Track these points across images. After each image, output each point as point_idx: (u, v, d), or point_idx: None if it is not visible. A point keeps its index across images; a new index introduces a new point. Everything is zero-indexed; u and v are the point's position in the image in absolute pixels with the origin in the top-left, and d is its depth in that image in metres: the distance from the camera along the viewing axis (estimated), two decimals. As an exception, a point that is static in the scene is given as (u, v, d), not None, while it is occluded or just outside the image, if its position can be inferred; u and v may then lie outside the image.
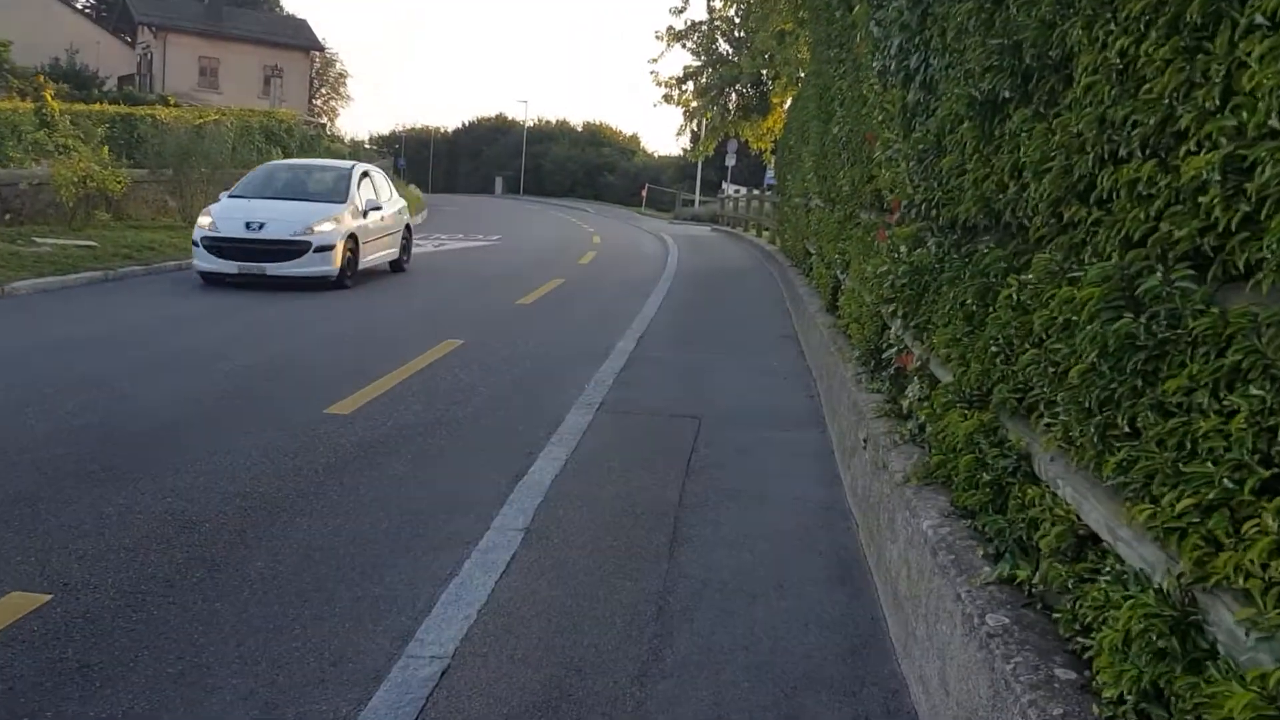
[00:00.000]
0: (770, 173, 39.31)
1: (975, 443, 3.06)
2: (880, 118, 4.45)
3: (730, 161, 38.82)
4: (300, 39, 64.65)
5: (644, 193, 52.31)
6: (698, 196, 45.51)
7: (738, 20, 22.29)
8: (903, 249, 4.53)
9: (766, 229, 24.03)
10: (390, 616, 3.82)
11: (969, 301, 3.14)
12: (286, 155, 35.15)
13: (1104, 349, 1.94)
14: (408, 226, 16.25)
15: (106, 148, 21.61)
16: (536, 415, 7.01)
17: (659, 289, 14.82)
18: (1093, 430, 2.02)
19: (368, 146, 62.39)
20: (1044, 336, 2.37)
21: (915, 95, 3.65)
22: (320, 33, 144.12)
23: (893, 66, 3.87)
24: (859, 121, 5.91)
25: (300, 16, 74.31)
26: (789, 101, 20.22)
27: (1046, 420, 2.43)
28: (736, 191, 37.18)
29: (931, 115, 3.48)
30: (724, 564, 4.33)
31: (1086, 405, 2.07)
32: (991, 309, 2.94)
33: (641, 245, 25.77)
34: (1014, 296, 2.66)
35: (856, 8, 5.22)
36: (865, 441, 4.78)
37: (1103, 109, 2.02)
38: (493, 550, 4.46)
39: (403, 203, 16.44)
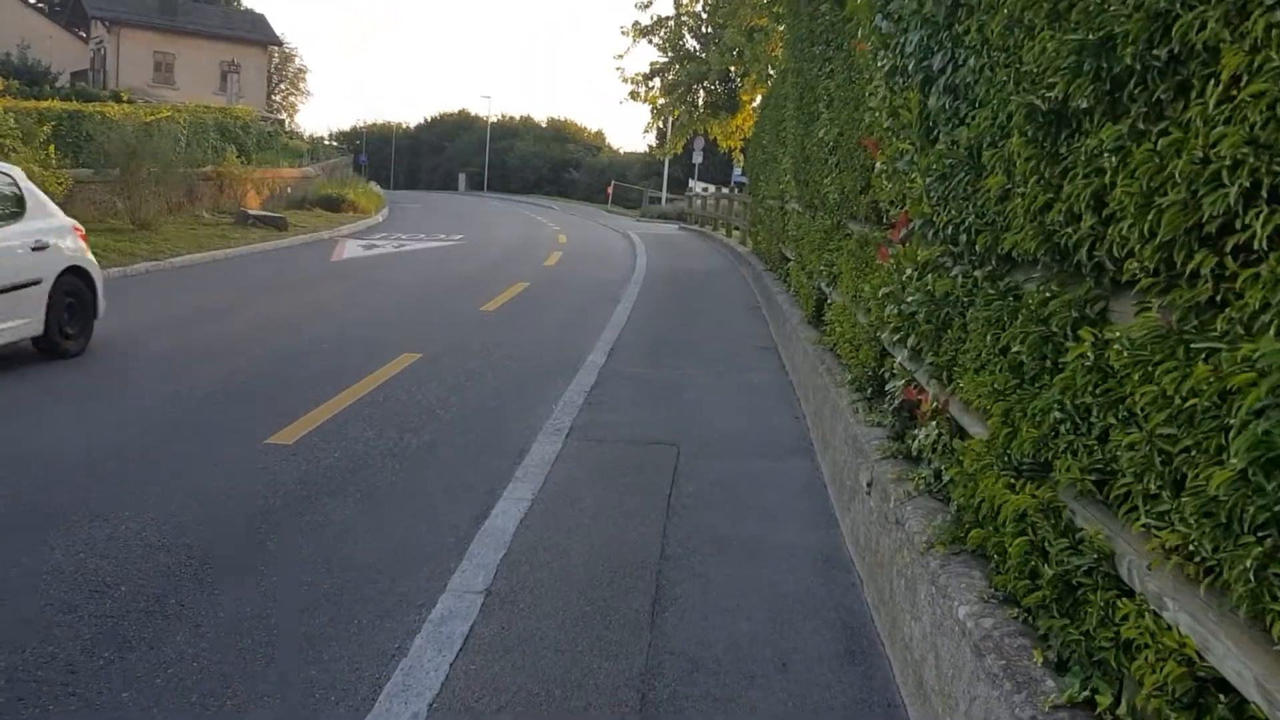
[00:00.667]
0: (738, 170, 38.85)
1: (1030, 524, 2.53)
2: (888, 124, 3.93)
3: (698, 159, 38.28)
4: (258, 34, 63.34)
5: (610, 190, 51.67)
6: (664, 194, 44.96)
7: (705, 15, 21.76)
8: (910, 271, 4.00)
9: (737, 228, 23.53)
10: (326, 711, 3.24)
11: (1017, 350, 2.61)
12: (243, 152, 34.19)
13: (1271, 461, 1.41)
14: (79, 271, 8.56)
15: (53, 147, 20.66)
16: (499, 443, 6.43)
17: (629, 293, 14.26)
18: (1249, 565, 1.48)
19: (328, 142, 61.14)
20: (1148, 417, 1.84)
21: (939, 101, 3.12)
22: (280, 27, 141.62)
23: (910, 66, 3.34)
24: (852, 125, 5.39)
25: (258, 11, 72.77)
26: (759, 99, 19.73)
27: (1148, 521, 1.90)
28: (705, 190, 36.66)
29: (962, 124, 2.95)
30: (716, 635, 3.78)
31: (1232, 526, 1.53)
32: (1053, 364, 2.41)
33: (608, 245, 25.19)
34: (1091, 357, 2.13)
35: (854, 1, 4.69)
36: (869, 486, 4.26)
37: (1256, 128, 1.49)
38: (448, 620, 3.88)
39: (58, 222, 8.66)
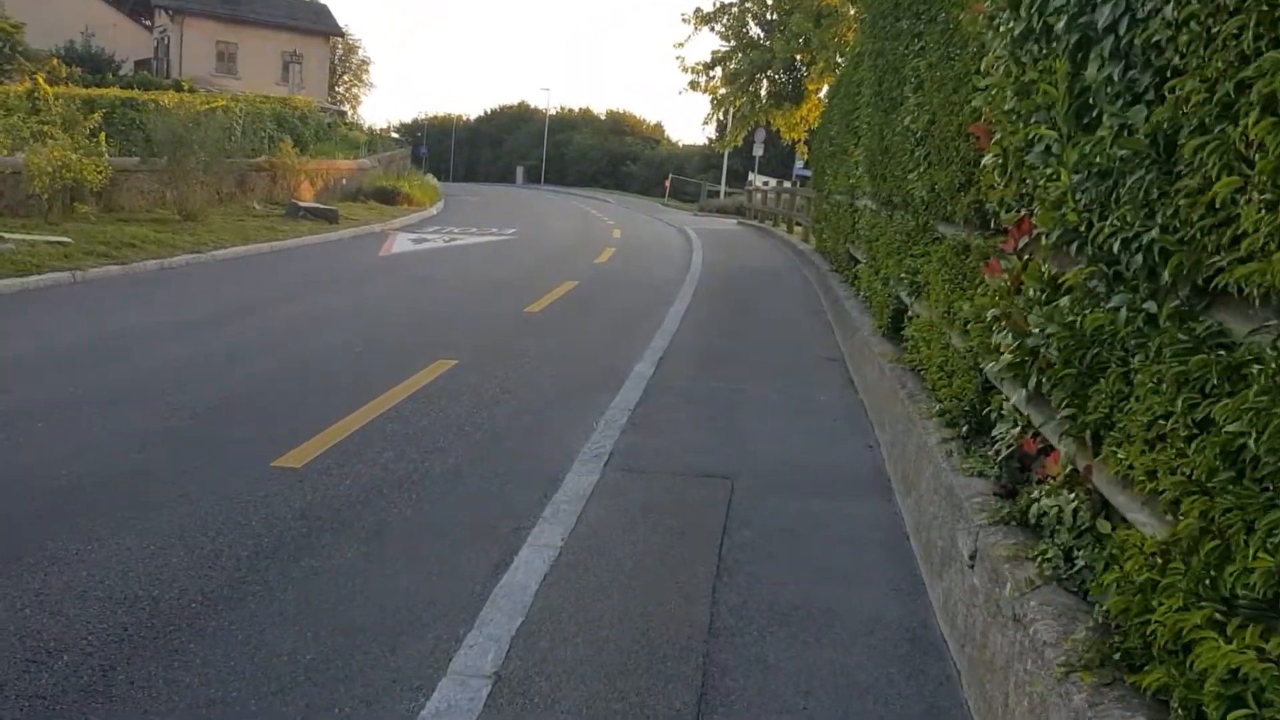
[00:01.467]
0: (800, 163, 37.76)
1: (1256, 693, 1.69)
2: (1011, 105, 3.09)
3: (758, 152, 37.26)
4: (320, 24, 63.65)
5: (667, 184, 50.83)
6: (723, 188, 43.99)
7: (770, 2, 20.79)
8: (1036, 293, 3.15)
9: (799, 224, 22.58)
10: None
11: (1238, 430, 1.76)
12: (300, 143, 34.04)
13: None
14: None
15: (104, 134, 20.45)
16: (531, 471, 5.68)
17: (682, 294, 13.44)
18: None
19: (388, 134, 61.17)
20: None
21: (1103, 71, 2.29)
22: (343, 18, 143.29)
23: (1061, 25, 2.50)
24: (949, 111, 4.53)
25: (321, 1, 73.13)
26: (825, 88, 18.76)
27: None
28: (765, 183, 35.62)
29: (1141, 102, 2.12)
30: (777, 755, 2.99)
31: None
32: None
33: (663, 241, 24.38)
34: None
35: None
36: (973, 559, 3.41)
37: None
38: (445, 716, 3.14)
39: None
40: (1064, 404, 2.83)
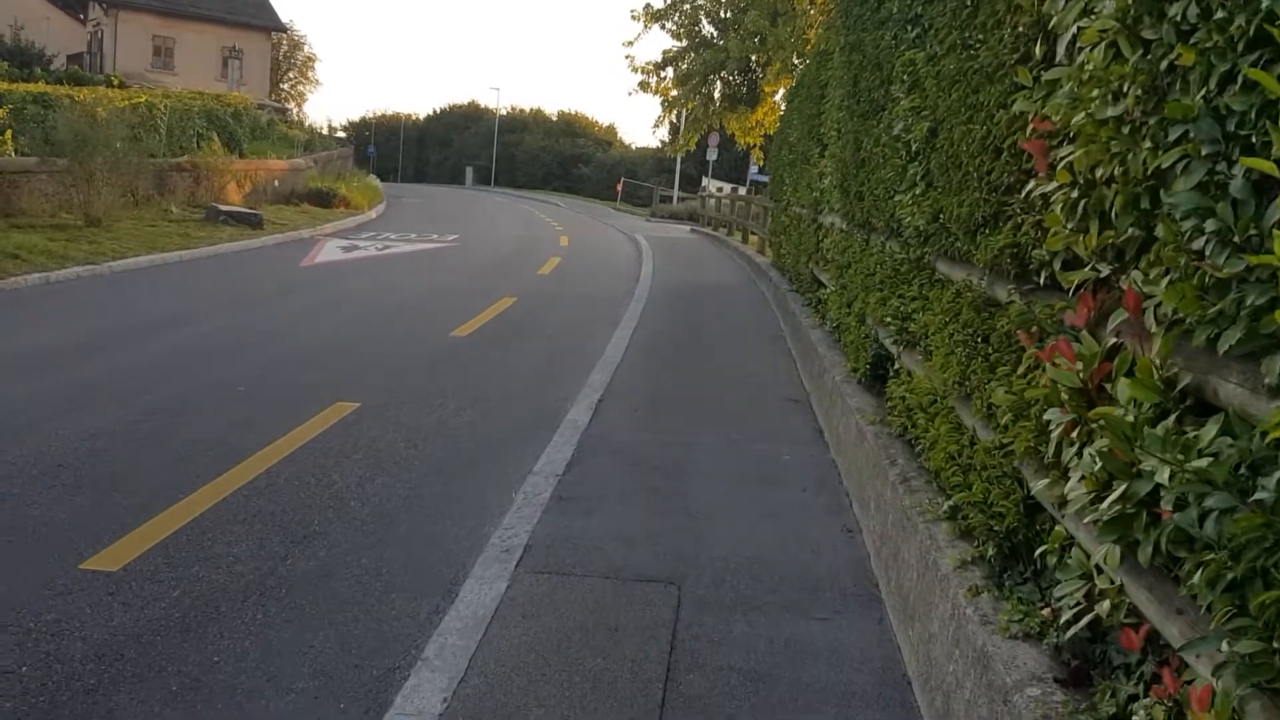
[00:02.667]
0: (755, 168, 36.77)
1: None
2: (1118, 109, 1.93)
3: (712, 156, 36.18)
4: (261, 19, 61.63)
5: (619, 188, 49.61)
6: (676, 192, 42.87)
7: (724, -1, 19.71)
8: (1137, 403, 1.99)
9: (754, 234, 21.49)
10: None
11: None
12: (232, 142, 32.41)
13: None
14: None
15: (10, 132, 18.78)
16: (423, 571, 4.43)
17: (629, 315, 12.23)
18: None
19: (329, 133, 59.18)
20: None
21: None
22: (289, 14, 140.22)
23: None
24: (968, 116, 3.35)
25: (263, -5, 70.93)
26: (783, 90, 17.69)
27: None
28: (719, 190, 34.56)
29: None
30: None
31: None
32: None
33: (612, 250, 23.16)
34: None
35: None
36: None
37: None
38: None
39: None
40: (1226, 617, 1.65)
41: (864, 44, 5.96)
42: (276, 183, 29.12)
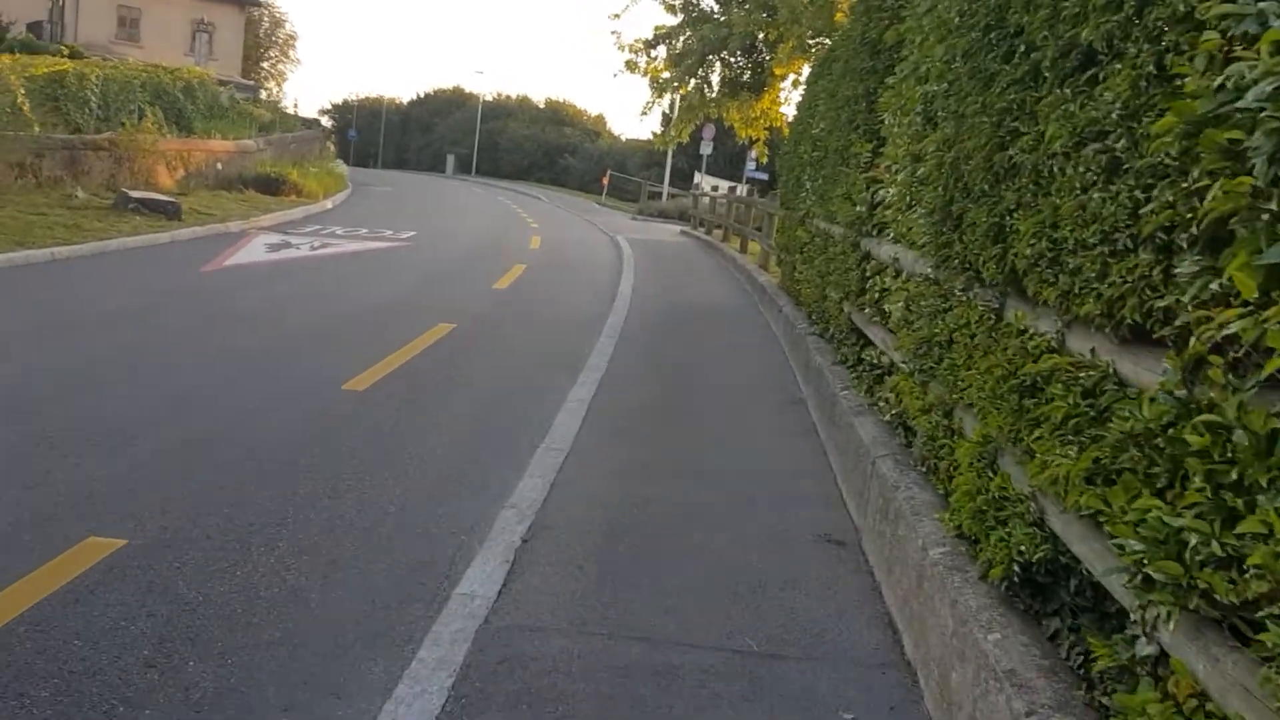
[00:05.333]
0: (751, 164, 33.78)
1: None
2: None
3: (706, 150, 33.19)
4: (234, -10, 58.31)
5: (605, 181, 46.52)
6: (666, 188, 39.82)
7: (729, -36, 16.71)
8: None
9: (753, 240, 18.55)
10: None
11: None
12: (181, 119, 29.28)
13: None
14: None
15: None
16: None
17: (594, 358, 9.24)
18: None
19: (309, 114, 55.89)
20: None
21: None
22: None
23: None
24: None
25: (236, -34, 67.58)
26: (805, 72, 14.75)
27: None
28: (714, 189, 31.54)
29: None
30: None
31: None
32: None
33: (590, 255, 20.14)
34: None
35: None
36: None
37: None
38: None
39: None
40: None
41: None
42: (220, 166, 26.05)
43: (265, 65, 69.41)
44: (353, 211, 26.03)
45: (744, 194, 28.09)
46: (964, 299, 4.03)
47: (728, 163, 45.32)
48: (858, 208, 6.87)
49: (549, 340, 10.14)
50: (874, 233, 6.58)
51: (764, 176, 33.60)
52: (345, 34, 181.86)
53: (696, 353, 10.04)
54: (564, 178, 57.77)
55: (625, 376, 8.54)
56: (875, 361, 6.37)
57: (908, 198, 5.07)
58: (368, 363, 8.19)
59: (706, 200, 27.74)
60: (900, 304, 5.20)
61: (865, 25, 7.22)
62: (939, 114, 4.37)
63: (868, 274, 6.53)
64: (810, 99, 10.80)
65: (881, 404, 5.87)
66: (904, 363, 4.94)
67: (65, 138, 19.81)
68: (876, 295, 6.21)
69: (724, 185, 34.12)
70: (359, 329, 9.77)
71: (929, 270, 4.57)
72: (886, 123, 5.97)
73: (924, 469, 4.53)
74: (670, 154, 36.27)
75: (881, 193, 6.06)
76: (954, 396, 4.01)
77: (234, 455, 5.59)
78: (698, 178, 35.78)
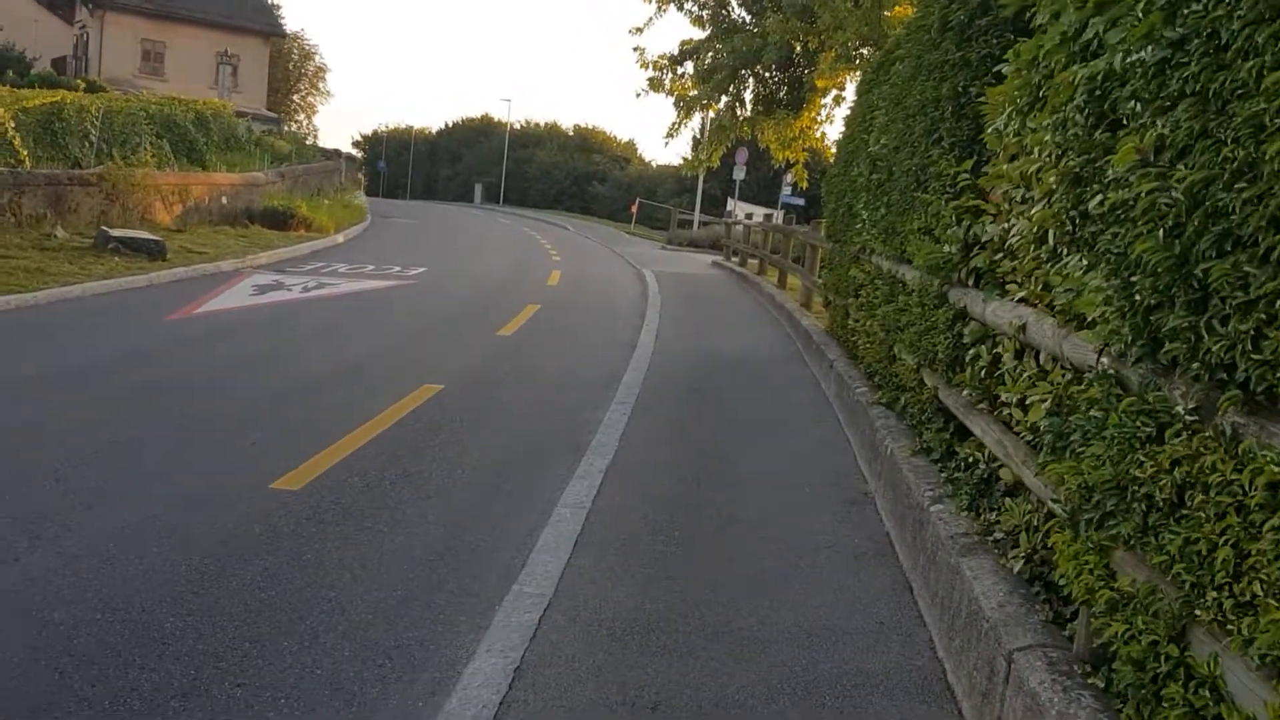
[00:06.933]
0: (788, 189, 31.97)
1: None
2: None
3: (739, 175, 31.40)
4: (259, 22, 57.99)
5: (634, 209, 44.86)
6: (697, 216, 38.06)
7: (761, -30, 14.97)
8: None
9: (793, 274, 16.73)
10: None
11: None
12: (194, 151, 28.20)
13: None
14: None
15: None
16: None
17: (603, 432, 7.43)
18: None
19: (346, 145, 55.03)
20: None
21: None
22: (299, 22, 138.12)
23: None
24: None
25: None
26: (848, 86, 12.95)
27: None
28: (748, 216, 29.70)
29: None
30: None
31: None
32: None
33: (611, 294, 18.40)
34: None
35: None
36: None
37: None
38: None
39: None
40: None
41: None
42: (224, 200, 24.68)
43: (295, 98, 68.99)
44: (364, 246, 24.56)
45: (780, 221, 26.27)
46: (1202, 428, 2.20)
47: (763, 188, 43.56)
48: (945, 247, 5.04)
49: (550, 408, 8.36)
50: (972, 282, 4.75)
51: (800, 202, 31.79)
52: (376, 66, 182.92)
53: (729, 425, 8.15)
54: (593, 206, 56.29)
55: (638, 464, 6.72)
56: (980, 461, 4.52)
57: (1054, 240, 3.25)
58: (314, 448, 6.47)
59: (740, 229, 25.96)
60: (1043, 404, 3.35)
61: (948, 4, 5.41)
62: (1135, 106, 2.55)
63: (965, 340, 4.69)
64: (862, 111, 8.99)
65: (997, 532, 4.03)
66: (1057, 502, 3.09)
67: (49, 173, 18.47)
68: (982, 373, 4.36)
69: (759, 212, 32.31)
70: (320, 399, 8.05)
71: (1112, 364, 2.73)
72: (997, 130, 4.15)
73: (1118, 699, 2.67)
74: (701, 179, 34.57)
75: (990, 228, 4.23)
76: (1204, 614, 2.17)
77: (71, 617, 3.84)
78: (731, 204, 34.02)
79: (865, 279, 8.04)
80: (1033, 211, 3.44)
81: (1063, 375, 3.20)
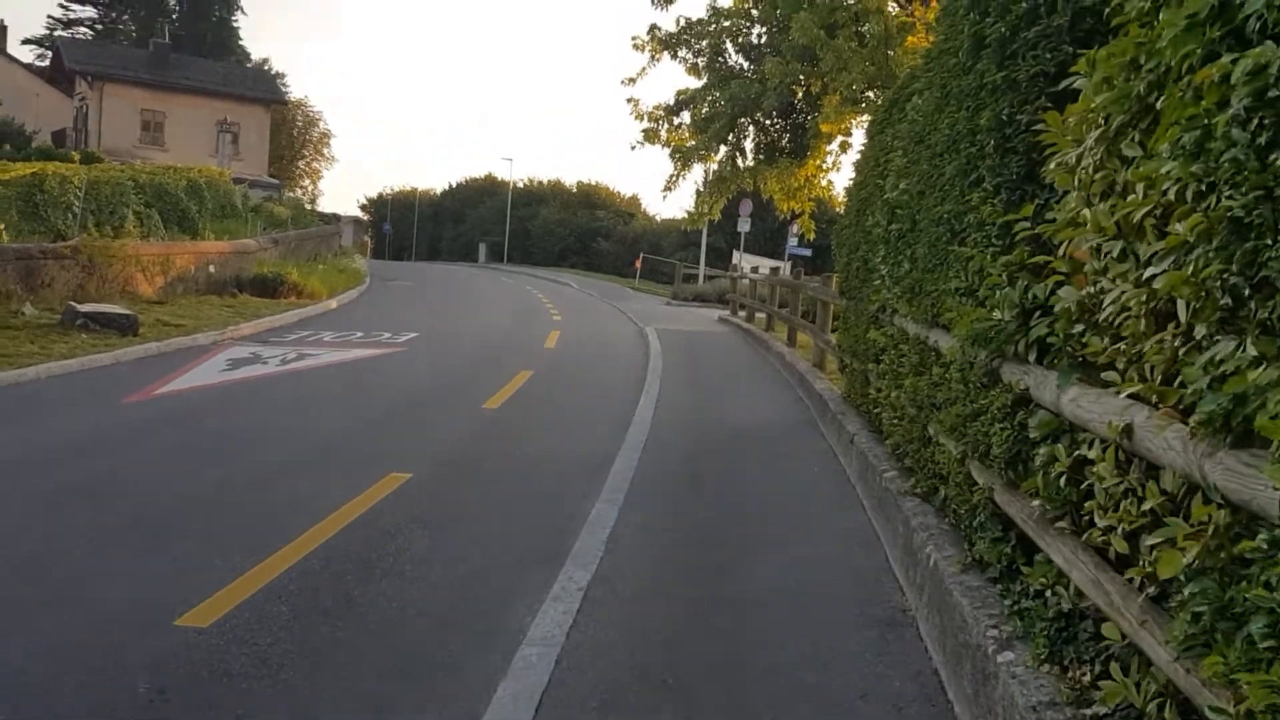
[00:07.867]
0: (793, 240, 31.09)
1: None
2: None
3: (744, 228, 30.55)
4: (259, 90, 58.16)
5: (638, 264, 44.08)
6: (702, 270, 37.22)
7: (757, 13, 14.13)
8: None
9: (803, 331, 15.71)
10: None
11: None
12: (185, 219, 27.69)
13: None
14: None
15: None
16: None
17: (586, 534, 6.32)
18: None
19: (354, 209, 54.72)
20: None
21: None
22: (302, 90, 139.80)
23: None
24: None
25: (263, 65, 67.49)
26: (856, 131, 12.02)
27: None
28: (754, 269, 28.79)
29: None
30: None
31: None
32: None
33: (611, 355, 17.40)
34: None
35: None
36: None
37: None
38: None
39: None
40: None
41: None
42: (212, 269, 23.89)
43: (300, 164, 69.04)
44: (355, 312, 23.70)
45: (787, 273, 25.31)
46: None
47: (768, 239, 42.81)
48: (995, 313, 4.00)
49: (529, 501, 7.28)
50: (1034, 358, 3.71)
51: (807, 253, 30.90)
52: (383, 129, 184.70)
53: (738, 520, 7.00)
54: (598, 262, 55.64)
55: (625, 577, 5.62)
56: (1062, 596, 3.43)
57: (1188, 315, 2.20)
58: (245, 562, 5.44)
59: (745, 283, 25.00)
60: (1181, 553, 2.28)
61: (981, 17, 4.44)
62: None
63: (1031, 434, 3.62)
64: (876, 154, 8.02)
65: (1097, 706, 2.93)
66: (1223, 713, 1.99)
67: (19, 246, 17.69)
68: (1060, 481, 3.30)
69: (765, 264, 31.43)
70: (267, 495, 7.01)
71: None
72: (1065, 164, 3.14)
73: None
74: (705, 232, 33.77)
75: (1065, 293, 3.19)
76: None
77: None
78: (736, 257, 33.16)
79: (888, 343, 6.99)
80: (1148, 274, 2.40)
81: (1220, 514, 2.13)
